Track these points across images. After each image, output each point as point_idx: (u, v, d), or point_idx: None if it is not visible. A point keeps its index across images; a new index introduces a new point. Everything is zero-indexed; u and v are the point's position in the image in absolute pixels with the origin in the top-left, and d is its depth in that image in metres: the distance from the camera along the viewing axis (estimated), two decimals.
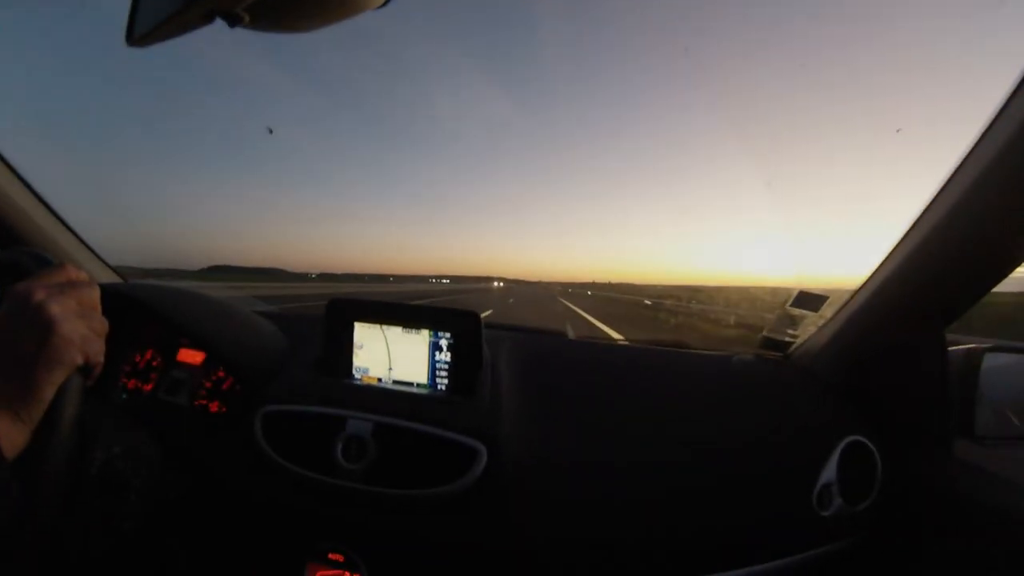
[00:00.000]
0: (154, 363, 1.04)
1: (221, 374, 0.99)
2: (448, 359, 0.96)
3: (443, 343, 0.96)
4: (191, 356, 1.02)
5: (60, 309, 0.47)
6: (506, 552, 0.75)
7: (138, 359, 1.05)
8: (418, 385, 0.97)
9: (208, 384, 0.98)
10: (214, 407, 0.96)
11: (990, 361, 0.94)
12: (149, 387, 1.01)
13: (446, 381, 0.96)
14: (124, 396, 1.01)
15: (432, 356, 0.96)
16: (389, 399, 0.87)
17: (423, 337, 0.96)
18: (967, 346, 0.95)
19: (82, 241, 1.22)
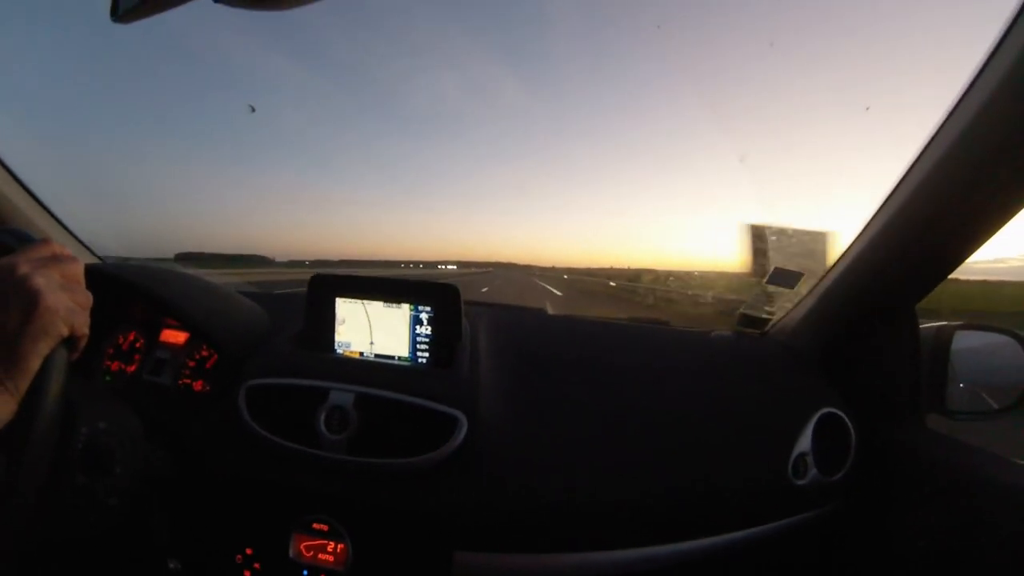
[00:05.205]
0: (137, 344, 1.04)
1: (204, 353, 0.99)
2: (428, 332, 0.97)
3: (423, 316, 0.97)
4: (174, 336, 1.02)
5: (44, 281, 0.47)
6: (487, 517, 0.77)
7: (121, 341, 1.04)
8: (399, 358, 0.98)
9: (191, 363, 0.98)
10: (198, 386, 0.97)
11: (961, 340, 0.96)
12: (132, 368, 1.00)
13: (427, 354, 0.97)
14: (108, 379, 1.01)
15: (413, 330, 0.97)
16: (371, 371, 0.87)
17: (404, 311, 0.97)
18: (938, 324, 0.98)
19: (60, 222, 1.21)
